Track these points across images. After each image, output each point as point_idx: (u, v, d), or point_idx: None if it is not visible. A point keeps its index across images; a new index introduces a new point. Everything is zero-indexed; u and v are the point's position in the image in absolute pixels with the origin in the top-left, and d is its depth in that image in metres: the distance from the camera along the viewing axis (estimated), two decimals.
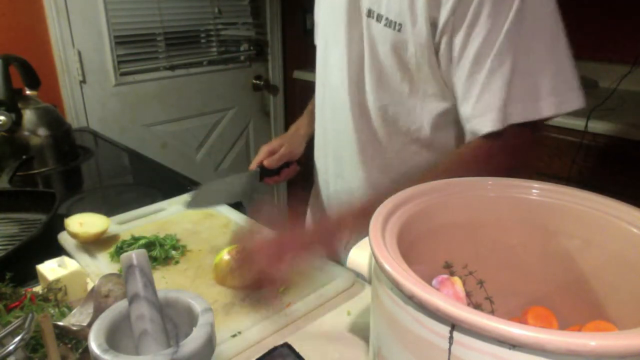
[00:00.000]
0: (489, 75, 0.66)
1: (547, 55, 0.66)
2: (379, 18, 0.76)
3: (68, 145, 1.43)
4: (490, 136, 0.69)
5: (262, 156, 0.97)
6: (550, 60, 0.66)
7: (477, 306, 0.59)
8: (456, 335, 0.36)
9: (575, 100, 0.67)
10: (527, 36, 0.65)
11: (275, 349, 0.62)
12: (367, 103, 0.84)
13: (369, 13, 0.77)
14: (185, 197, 1.07)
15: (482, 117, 0.68)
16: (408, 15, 0.72)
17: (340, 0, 0.82)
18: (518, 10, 0.63)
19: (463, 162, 0.73)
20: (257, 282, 0.68)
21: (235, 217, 0.98)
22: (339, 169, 0.96)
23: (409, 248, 0.48)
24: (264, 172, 0.95)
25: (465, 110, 0.71)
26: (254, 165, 0.96)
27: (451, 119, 0.79)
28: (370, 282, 0.51)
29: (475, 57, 0.67)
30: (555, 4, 0.65)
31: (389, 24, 0.75)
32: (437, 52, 0.72)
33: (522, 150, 0.72)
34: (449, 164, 0.74)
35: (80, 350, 0.55)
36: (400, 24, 0.73)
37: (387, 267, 0.41)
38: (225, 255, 0.75)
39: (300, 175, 1.03)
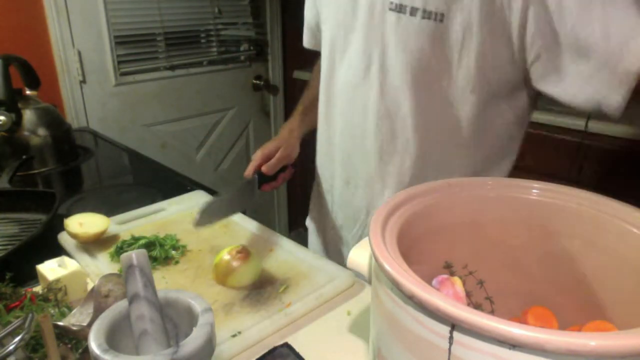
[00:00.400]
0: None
1: None
2: (413, 11, 0.72)
3: (68, 145, 1.43)
4: None
5: (258, 161, 0.92)
6: None
7: (477, 306, 0.59)
8: (456, 335, 0.36)
9: None
10: None
11: (275, 349, 0.62)
12: (394, 105, 0.80)
13: (400, 8, 0.73)
14: (185, 197, 1.08)
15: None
16: (454, 2, 0.69)
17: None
18: None
19: None
20: None
21: (235, 217, 0.98)
22: (348, 174, 0.92)
23: (409, 248, 0.48)
24: (262, 179, 0.91)
25: (603, 51, 0.65)
26: (250, 171, 0.91)
27: (493, 113, 0.78)
28: (370, 282, 0.51)
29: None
30: None
31: (428, 15, 0.71)
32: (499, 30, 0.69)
33: None
34: None
35: (80, 350, 0.55)
36: (442, 14, 0.70)
37: (387, 267, 0.41)
38: (225, 255, 0.75)
39: (298, 177, 1.01)
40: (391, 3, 0.74)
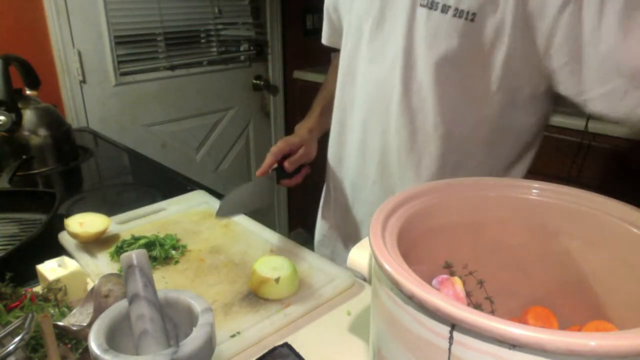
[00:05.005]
0: None
1: None
2: (444, 9, 0.73)
3: (68, 145, 1.43)
4: None
5: (277, 156, 0.90)
6: None
7: (477, 306, 0.59)
8: (456, 335, 0.36)
9: None
10: None
11: (275, 349, 0.62)
12: (418, 102, 0.80)
13: (431, 5, 0.74)
14: (185, 197, 1.08)
15: None
16: (487, 3, 0.69)
17: None
18: None
19: None
20: None
21: (235, 218, 0.98)
22: (379, 174, 0.90)
23: (409, 248, 0.48)
24: (280, 175, 0.92)
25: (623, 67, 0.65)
26: (266, 167, 0.89)
27: (514, 116, 0.78)
28: (370, 282, 0.51)
29: (620, 19, 0.62)
30: None
31: (460, 13, 0.72)
32: (533, 37, 0.70)
33: None
34: None
35: (80, 350, 0.55)
36: (474, 13, 0.71)
37: (387, 267, 0.41)
38: (261, 267, 0.73)
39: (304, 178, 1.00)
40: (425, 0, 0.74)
